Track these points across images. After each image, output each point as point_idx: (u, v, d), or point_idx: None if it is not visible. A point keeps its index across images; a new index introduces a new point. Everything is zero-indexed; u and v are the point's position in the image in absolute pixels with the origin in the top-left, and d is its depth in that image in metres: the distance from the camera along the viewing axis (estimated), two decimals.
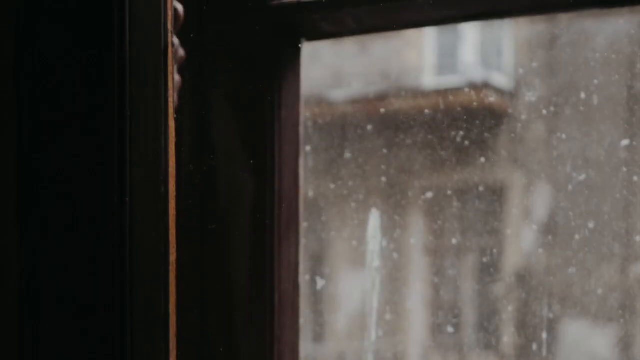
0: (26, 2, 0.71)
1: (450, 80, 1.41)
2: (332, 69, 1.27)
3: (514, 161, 1.14)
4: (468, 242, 1.02)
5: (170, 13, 0.73)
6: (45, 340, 0.71)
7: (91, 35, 0.70)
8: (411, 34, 1.28)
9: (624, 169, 1.11)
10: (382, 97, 1.33)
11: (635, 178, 1.11)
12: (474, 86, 1.28)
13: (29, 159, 0.71)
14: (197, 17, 1.05)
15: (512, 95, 1.21)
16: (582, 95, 1.12)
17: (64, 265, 0.70)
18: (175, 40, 0.76)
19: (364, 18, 1.03)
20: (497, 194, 1.16)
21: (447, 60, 1.39)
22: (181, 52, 0.85)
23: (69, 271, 0.70)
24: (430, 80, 1.41)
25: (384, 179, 1.21)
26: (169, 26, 0.73)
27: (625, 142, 1.12)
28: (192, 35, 1.02)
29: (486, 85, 1.27)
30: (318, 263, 1.31)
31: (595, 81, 1.11)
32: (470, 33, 1.36)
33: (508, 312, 1.22)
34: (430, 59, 1.40)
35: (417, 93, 1.36)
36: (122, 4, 0.69)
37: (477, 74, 1.38)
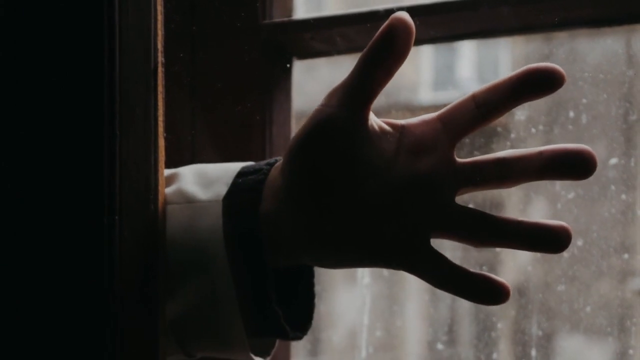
0: (15, 30, 0.71)
1: (446, 97, 1.41)
2: (328, 84, 1.27)
3: None
4: (459, 259, 1.02)
5: (160, 32, 0.74)
6: None
7: (81, 55, 0.70)
8: None
9: (612, 187, 1.11)
10: (375, 114, 1.34)
11: (624, 196, 1.11)
12: None
13: (15, 180, 0.71)
14: (187, 36, 1.05)
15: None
16: (572, 114, 1.12)
17: (50, 284, 0.70)
18: None
19: (354, 37, 1.03)
20: (487, 211, 1.16)
21: (444, 76, 1.38)
22: None
23: (54, 290, 0.70)
24: (426, 96, 1.41)
25: None
26: (159, 45, 0.73)
27: (613, 160, 1.12)
28: (181, 54, 1.02)
29: None
30: None
31: (584, 100, 1.11)
32: (467, 49, 1.36)
33: (501, 329, 1.22)
34: (427, 75, 1.40)
35: (412, 109, 1.36)
36: (112, 24, 0.70)
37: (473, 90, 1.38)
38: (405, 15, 0.69)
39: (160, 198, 0.75)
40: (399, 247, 0.72)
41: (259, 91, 1.04)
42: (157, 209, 0.74)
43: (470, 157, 0.73)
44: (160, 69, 0.74)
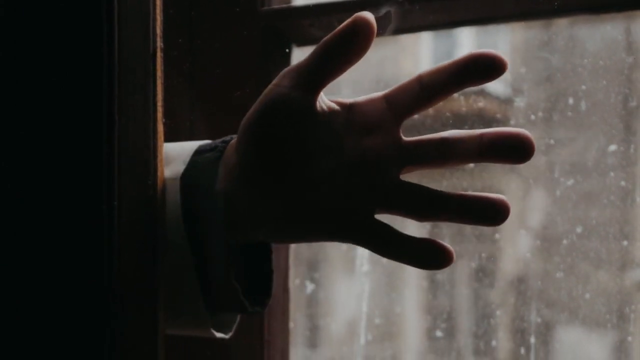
0: (14, 17, 0.71)
1: None
2: None
3: (502, 166, 1.14)
4: (457, 246, 1.02)
5: (159, 18, 0.73)
6: None
7: (79, 40, 0.70)
8: (406, 39, 1.29)
9: (612, 174, 1.11)
10: None
11: (623, 183, 1.11)
12: (468, 92, 1.28)
13: (15, 167, 0.71)
14: (186, 21, 1.05)
15: (502, 100, 1.21)
16: (571, 101, 1.12)
17: (48, 271, 0.70)
18: None
19: None
20: None
21: None
22: None
23: (52, 277, 0.70)
24: None
25: None
26: (158, 30, 0.73)
27: (612, 147, 1.12)
28: (180, 40, 1.02)
29: (481, 92, 1.27)
30: (308, 267, 1.31)
31: (584, 87, 1.11)
32: (465, 38, 1.36)
33: (501, 317, 1.22)
34: (426, 65, 1.40)
35: None
36: (110, 9, 0.69)
37: None
38: (368, 15, 0.72)
39: (159, 183, 0.75)
40: (346, 222, 0.74)
41: (258, 78, 1.04)
42: (156, 194, 0.74)
43: None
44: (159, 54, 0.73)
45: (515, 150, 0.72)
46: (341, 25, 0.72)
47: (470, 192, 0.73)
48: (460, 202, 0.73)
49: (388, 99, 0.75)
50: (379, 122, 0.75)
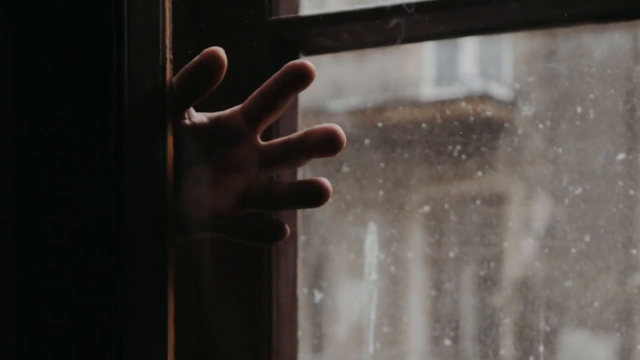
0: (20, 27, 0.71)
1: (449, 92, 1.41)
2: (331, 80, 1.27)
3: (510, 174, 1.14)
4: (465, 255, 1.02)
5: (168, 29, 0.74)
6: None
7: (88, 51, 0.70)
8: (410, 45, 1.29)
9: (620, 183, 1.11)
10: (379, 109, 1.32)
11: (631, 192, 1.11)
12: (472, 98, 1.28)
13: (28, 175, 0.71)
14: (194, 33, 1.05)
15: (509, 108, 1.21)
16: (579, 109, 1.12)
17: (59, 274, 0.70)
18: None
19: (362, 33, 1.03)
20: (494, 207, 1.16)
21: (446, 71, 1.39)
22: None
23: (64, 277, 0.70)
24: (428, 91, 1.41)
25: (381, 192, 1.21)
26: (167, 42, 0.74)
27: (620, 155, 1.12)
28: (189, 51, 1.02)
29: (485, 98, 1.27)
30: (316, 276, 1.31)
31: (592, 95, 1.11)
32: (469, 45, 1.36)
33: (507, 324, 1.22)
34: (430, 70, 1.40)
35: (415, 105, 1.36)
36: (120, 20, 0.70)
37: (476, 86, 1.38)
38: (218, 50, 0.79)
39: (169, 195, 0.75)
40: (216, 219, 0.81)
41: None
42: (166, 205, 0.74)
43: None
44: (168, 66, 0.74)
45: (327, 142, 0.79)
46: (196, 57, 0.79)
47: (300, 179, 0.81)
48: (293, 190, 0.81)
49: (243, 110, 0.82)
50: (239, 132, 0.81)
